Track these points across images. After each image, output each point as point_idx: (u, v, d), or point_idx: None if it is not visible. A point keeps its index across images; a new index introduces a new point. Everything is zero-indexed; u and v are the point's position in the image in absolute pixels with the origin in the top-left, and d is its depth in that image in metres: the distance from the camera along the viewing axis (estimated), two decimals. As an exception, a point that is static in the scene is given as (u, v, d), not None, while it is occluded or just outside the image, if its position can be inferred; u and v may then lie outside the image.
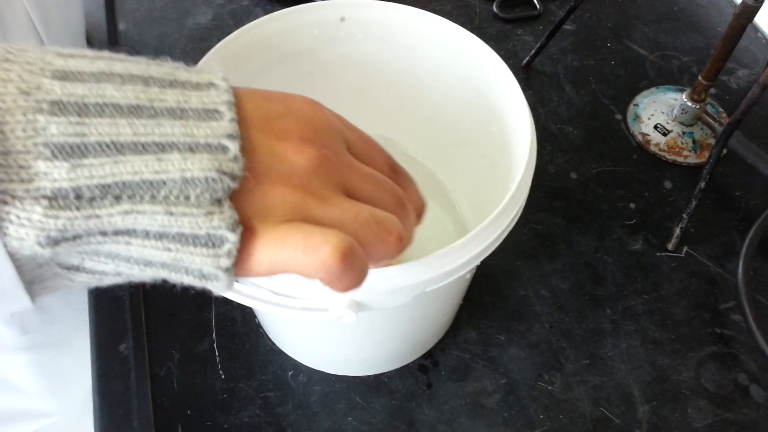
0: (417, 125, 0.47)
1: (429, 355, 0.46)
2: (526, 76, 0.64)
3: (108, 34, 0.65)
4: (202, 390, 0.44)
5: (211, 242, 0.22)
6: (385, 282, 0.29)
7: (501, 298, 0.49)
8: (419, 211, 0.30)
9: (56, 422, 0.56)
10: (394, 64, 0.44)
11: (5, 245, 0.19)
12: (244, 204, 0.22)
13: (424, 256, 0.30)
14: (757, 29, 0.68)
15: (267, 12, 0.67)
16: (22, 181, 0.19)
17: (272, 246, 0.23)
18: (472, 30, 0.63)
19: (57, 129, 0.20)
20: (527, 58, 0.64)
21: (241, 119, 0.23)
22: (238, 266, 0.23)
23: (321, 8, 0.40)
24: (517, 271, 0.51)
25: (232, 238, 0.22)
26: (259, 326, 0.47)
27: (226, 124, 0.22)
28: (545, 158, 0.57)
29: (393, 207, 0.27)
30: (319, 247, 0.23)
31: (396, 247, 0.26)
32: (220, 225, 0.22)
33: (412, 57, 0.43)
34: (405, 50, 0.43)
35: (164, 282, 0.23)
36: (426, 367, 0.46)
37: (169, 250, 0.22)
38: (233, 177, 0.22)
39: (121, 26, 0.67)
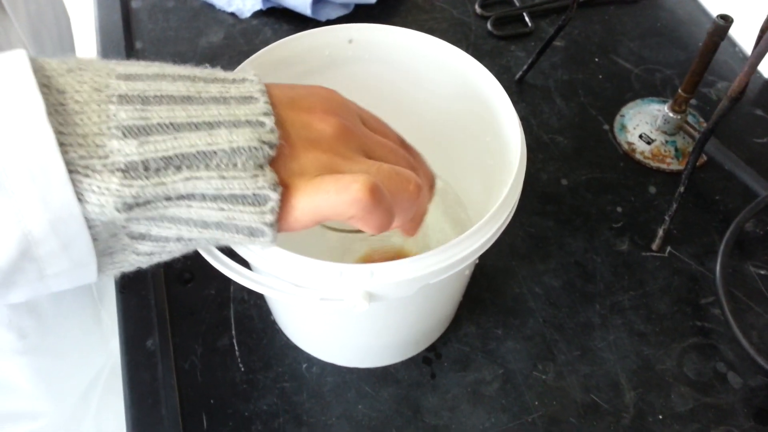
0: (418, 136, 0.50)
1: (432, 348, 0.50)
2: (519, 89, 0.68)
3: (126, 52, 0.69)
4: (224, 381, 0.47)
5: (257, 201, 0.26)
6: (394, 274, 0.33)
7: (498, 295, 0.53)
8: (431, 182, 0.34)
9: (50, 423, 0.58)
10: (397, 81, 0.47)
11: (87, 213, 0.23)
12: (281, 168, 0.27)
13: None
14: (734, 44, 0.72)
15: (275, 31, 0.72)
16: (100, 157, 0.23)
17: (309, 194, 0.27)
18: (467, 47, 0.67)
19: (125, 114, 0.24)
20: (520, 72, 0.68)
21: (272, 102, 0.27)
22: (283, 219, 0.27)
23: (332, 31, 0.44)
24: (513, 270, 0.54)
25: (274, 197, 0.26)
26: (274, 323, 0.50)
27: (261, 105, 0.26)
28: (537, 166, 0.61)
29: (408, 169, 0.31)
30: (349, 185, 0.27)
31: (416, 194, 0.30)
32: (264, 185, 0.25)
33: (413, 74, 0.46)
34: (406, 68, 0.46)
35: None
36: (430, 359, 0.49)
37: (223, 210, 0.26)
38: (271, 145, 0.26)
39: (138, 45, 0.71)
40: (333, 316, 0.42)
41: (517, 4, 0.76)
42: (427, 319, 0.45)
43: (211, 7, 0.75)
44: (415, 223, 0.33)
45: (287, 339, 0.49)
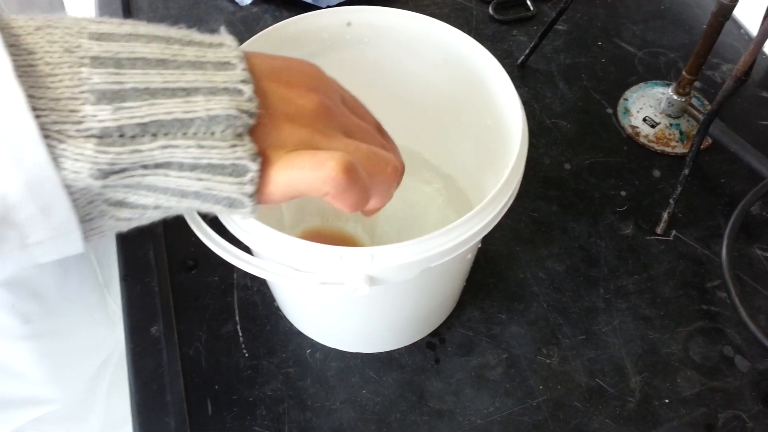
0: (419, 120, 0.50)
1: (436, 333, 0.50)
2: (521, 74, 0.67)
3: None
4: (228, 367, 0.47)
5: (236, 171, 0.25)
6: (394, 257, 0.33)
7: (502, 280, 0.52)
8: (400, 171, 0.33)
9: (58, 409, 0.58)
10: (397, 64, 0.47)
11: (63, 178, 0.22)
12: (260, 139, 0.26)
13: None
14: (739, 26, 0.71)
15: (276, 18, 0.71)
16: (73, 122, 0.22)
17: (284, 168, 0.26)
18: (469, 31, 0.67)
19: (99, 78, 0.23)
20: (522, 57, 0.67)
21: (252, 71, 0.26)
22: (259, 192, 0.26)
23: (330, 14, 0.43)
24: (517, 255, 0.54)
25: (254, 167, 0.25)
26: (278, 309, 0.50)
27: (239, 72, 0.26)
28: (540, 151, 0.61)
29: None
30: (324, 163, 0.26)
31: (393, 175, 0.30)
32: (243, 156, 0.25)
33: (413, 57, 0.46)
34: (406, 51, 0.46)
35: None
36: (433, 344, 0.49)
37: (201, 179, 0.25)
38: (250, 114, 0.25)
39: (139, 35, 0.71)
40: (335, 300, 0.42)
41: (520, -12, 0.75)
42: (430, 303, 0.45)
43: (212, -5, 0.75)
44: (377, 209, 0.32)
45: (291, 325, 0.49)
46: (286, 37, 0.43)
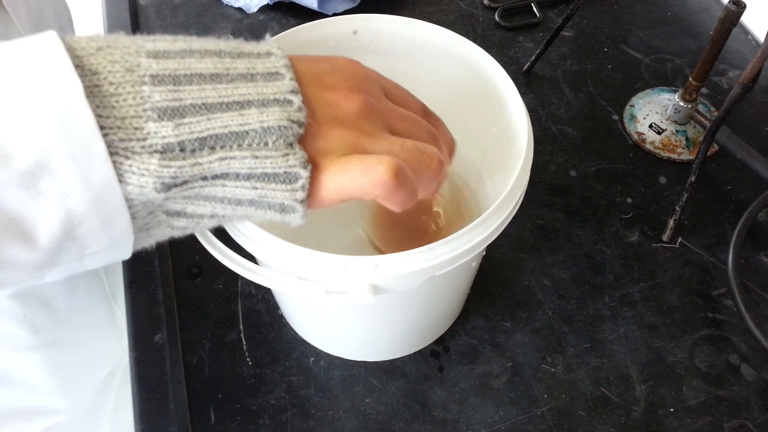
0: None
1: (440, 341, 0.49)
2: (527, 80, 0.67)
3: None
4: (232, 375, 0.47)
5: (288, 179, 0.26)
6: (399, 266, 0.33)
7: (506, 288, 0.52)
8: (450, 148, 0.35)
9: (66, 419, 0.58)
10: (403, 71, 0.47)
11: (127, 193, 0.24)
12: (310, 146, 0.27)
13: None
14: (747, 32, 0.71)
15: (282, 26, 0.72)
16: (138, 139, 0.24)
17: (335, 174, 0.27)
18: (475, 38, 0.67)
19: (159, 96, 0.24)
20: (528, 63, 0.67)
21: (297, 78, 0.27)
22: (311, 197, 0.28)
23: (336, 22, 0.43)
24: (521, 262, 0.54)
25: (305, 174, 0.27)
26: (282, 317, 0.50)
27: (288, 82, 0.27)
28: (546, 157, 0.61)
29: (430, 141, 0.32)
30: (374, 167, 0.27)
31: (438, 170, 0.30)
32: (294, 164, 0.26)
33: (419, 65, 0.46)
34: (413, 59, 0.46)
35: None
36: (437, 352, 0.49)
37: (256, 188, 0.26)
38: (300, 124, 0.26)
39: (145, 42, 0.71)
40: (339, 309, 0.42)
41: (525, -6, 0.75)
42: (434, 311, 0.45)
43: (219, 2, 0.75)
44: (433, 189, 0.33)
45: (295, 333, 0.49)
46: (291, 46, 0.43)
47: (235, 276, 0.51)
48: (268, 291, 0.51)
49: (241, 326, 0.50)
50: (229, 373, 0.47)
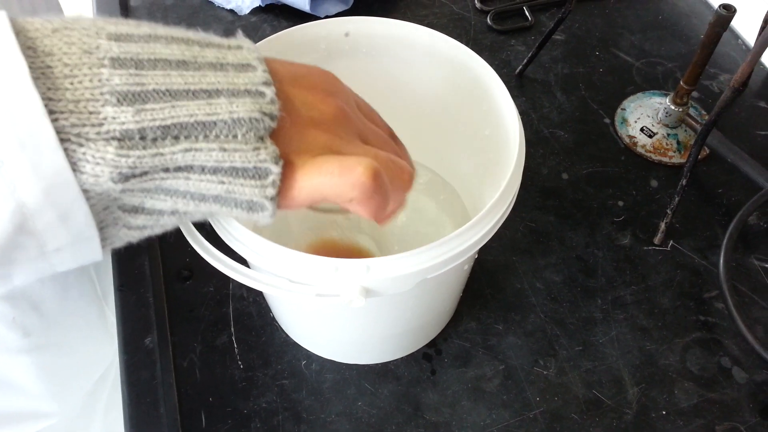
0: (417, 129, 0.49)
1: (432, 344, 0.49)
2: (519, 83, 0.67)
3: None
4: (223, 379, 0.47)
5: (258, 174, 0.25)
6: (390, 269, 0.33)
7: (499, 290, 0.52)
8: (411, 177, 0.33)
9: (57, 423, 0.58)
10: (394, 74, 0.47)
11: (82, 183, 0.22)
12: (283, 142, 0.26)
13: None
14: (737, 36, 0.71)
15: (274, 28, 0.71)
16: (93, 125, 0.22)
17: (311, 173, 0.26)
18: (467, 41, 0.67)
19: (120, 79, 0.22)
20: (520, 66, 0.67)
21: (272, 75, 0.26)
22: (282, 196, 0.26)
23: (327, 24, 0.43)
24: (514, 265, 0.54)
25: (275, 170, 0.25)
26: (273, 320, 0.50)
27: (260, 74, 0.25)
28: (538, 160, 0.61)
29: None
30: (353, 168, 0.26)
31: (408, 183, 0.30)
32: (266, 158, 0.25)
33: (411, 67, 0.46)
34: (404, 61, 0.46)
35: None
36: (430, 355, 0.49)
37: (223, 183, 0.25)
38: (272, 117, 0.25)
39: (136, 44, 0.71)
40: (331, 312, 0.42)
41: (517, -2, 0.75)
42: (426, 314, 0.45)
43: (210, 4, 0.75)
44: (392, 215, 0.32)
45: (286, 336, 0.49)
46: (282, 48, 0.42)
47: (226, 278, 0.51)
48: (259, 294, 0.51)
49: (232, 329, 0.49)
50: (220, 376, 0.47)
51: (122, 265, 0.51)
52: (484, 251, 0.53)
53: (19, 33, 0.22)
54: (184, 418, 0.45)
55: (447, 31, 0.43)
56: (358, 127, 0.30)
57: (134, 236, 0.26)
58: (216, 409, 0.46)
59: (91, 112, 0.22)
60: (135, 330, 0.48)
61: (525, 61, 0.66)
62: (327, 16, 0.71)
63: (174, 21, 0.73)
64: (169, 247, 0.53)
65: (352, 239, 0.49)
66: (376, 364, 0.48)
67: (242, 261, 0.34)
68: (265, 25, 0.72)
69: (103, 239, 0.25)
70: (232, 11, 0.74)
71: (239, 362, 0.48)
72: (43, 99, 0.21)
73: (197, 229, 0.33)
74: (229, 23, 0.73)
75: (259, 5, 0.73)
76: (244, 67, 0.25)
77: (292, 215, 0.49)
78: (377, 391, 0.47)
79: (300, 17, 0.71)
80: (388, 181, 0.28)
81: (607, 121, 0.64)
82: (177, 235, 0.33)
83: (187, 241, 0.33)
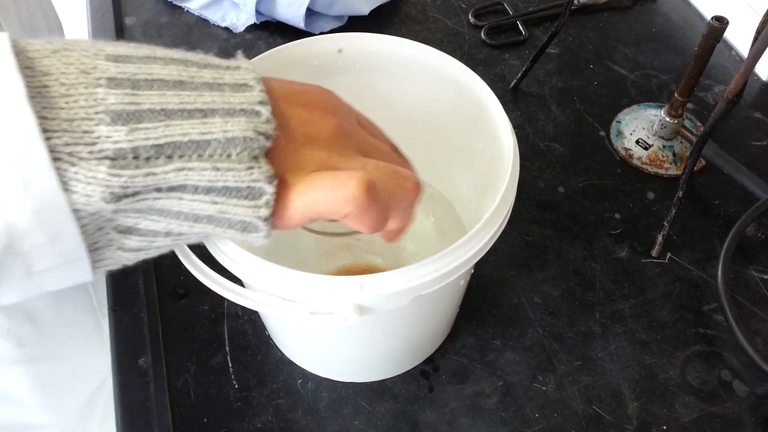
0: (411, 144, 0.49)
1: (430, 360, 0.49)
2: (514, 97, 0.67)
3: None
4: (218, 399, 0.46)
5: (252, 194, 0.25)
6: (384, 285, 0.32)
7: (496, 305, 0.52)
8: (420, 188, 0.33)
9: None
10: (388, 90, 0.47)
11: (73, 203, 0.22)
12: (278, 162, 0.26)
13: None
14: (730, 47, 0.71)
15: (269, 45, 0.72)
16: (87, 144, 0.22)
17: (304, 190, 0.26)
18: (461, 56, 0.67)
19: (115, 99, 0.22)
20: (514, 80, 0.67)
21: (269, 94, 0.26)
22: (277, 216, 0.26)
23: (321, 41, 0.43)
24: (511, 280, 0.53)
25: (270, 190, 0.25)
26: (269, 338, 0.49)
27: (257, 93, 0.25)
28: (534, 174, 0.60)
29: None
30: (346, 182, 0.26)
31: (414, 192, 0.29)
32: (259, 178, 0.24)
33: (405, 83, 0.46)
34: (398, 77, 0.46)
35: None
36: (427, 372, 0.48)
37: (215, 203, 0.25)
38: (267, 136, 0.25)
39: (131, 62, 0.71)
40: (326, 329, 0.41)
41: (511, 12, 0.76)
42: (422, 331, 0.44)
43: (205, 22, 0.75)
44: (400, 231, 0.32)
45: (282, 354, 0.49)
46: (276, 64, 0.42)
47: (221, 297, 0.50)
48: (254, 312, 0.51)
49: (227, 348, 0.49)
50: (215, 396, 0.46)
51: (116, 284, 0.51)
52: (480, 266, 0.53)
53: (20, 53, 0.22)
54: (179, 440, 0.44)
55: (441, 46, 0.43)
56: (359, 141, 0.30)
57: (130, 258, 0.26)
58: (211, 430, 0.45)
59: (84, 131, 0.22)
60: (129, 350, 0.48)
61: (519, 75, 0.67)
62: (322, 33, 0.71)
63: (169, 39, 0.73)
64: (164, 265, 0.52)
65: (366, 261, 0.49)
66: (373, 382, 0.47)
67: (236, 280, 0.33)
68: (260, 43, 0.72)
69: (98, 261, 0.25)
70: (227, 29, 0.74)
71: (234, 382, 0.47)
72: (38, 118, 0.21)
73: (191, 248, 0.33)
74: (224, 41, 0.73)
75: (254, 23, 0.73)
76: (241, 86, 0.25)
77: (308, 241, 0.48)
78: (374, 409, 0.46)
79: (295, 34, 0.71)
80: (387, 193, 0.28)
81: (602, 133, 0.64)
82: (172, 253, 0.32)
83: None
